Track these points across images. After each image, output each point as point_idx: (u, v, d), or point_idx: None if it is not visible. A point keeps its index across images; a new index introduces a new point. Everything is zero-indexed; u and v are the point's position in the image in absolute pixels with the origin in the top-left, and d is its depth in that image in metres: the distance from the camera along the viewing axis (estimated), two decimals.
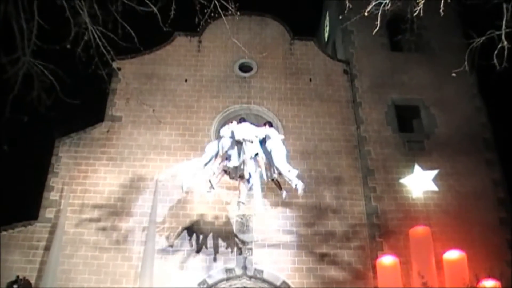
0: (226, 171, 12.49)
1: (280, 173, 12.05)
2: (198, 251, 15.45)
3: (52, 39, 7.67)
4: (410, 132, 18.54)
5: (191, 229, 15.70)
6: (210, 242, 15.63)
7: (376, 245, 15.74)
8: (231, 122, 12.94)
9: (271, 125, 12.96)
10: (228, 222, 15.88)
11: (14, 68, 7.08)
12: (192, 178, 13.30)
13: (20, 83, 7.10)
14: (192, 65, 19.41)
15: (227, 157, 12.22)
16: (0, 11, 6.77)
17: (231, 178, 12.74)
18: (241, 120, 13.18)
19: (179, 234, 15.69)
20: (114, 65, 12.21)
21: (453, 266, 14.39)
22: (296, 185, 11.80)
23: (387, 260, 14.85)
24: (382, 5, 8.47)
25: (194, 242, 15.57)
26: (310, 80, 19.36)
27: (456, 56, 10.84)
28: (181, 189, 13.61)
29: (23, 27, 7.04)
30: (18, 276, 14.02)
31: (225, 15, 9.03)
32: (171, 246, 15.45)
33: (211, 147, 12.88)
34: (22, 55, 7.12)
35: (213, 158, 12.55)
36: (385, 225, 16.12)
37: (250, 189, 12.48)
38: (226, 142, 12.28)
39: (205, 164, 12.64)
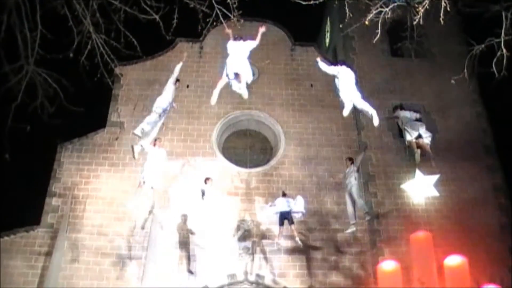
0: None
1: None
2: (199, 256, 15.46)
3: (55, 47, 7.72)
4: None
5: (193, 234, 15.68)
6: (211, 247, 15.62)
7: (377, 250, 15.78)
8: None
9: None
10: (230, 227, 15.90)
11: (17, 76, 7.12)
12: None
13: (23, 91, 7.13)
14: (194, 70, 19.43)
15: None
16: (4, 21, 6.81)
17: None
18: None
19: (181, 239, 15.74)
20: (117, 71, 12.25)
21: (454, 271, 14.32)
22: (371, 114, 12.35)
23: (388, 265, 14.78)
24: (383, 13, 8.53)
25: (196, 247, 15.56)
26: (311, 85, 19.38)
27: (456, 62, 10.95)
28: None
29: (27, 36, 7.08)
30: None
31: (226, 22, 9.08)
32: (173, 250, 15.49)
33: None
34: (26, 63, 7.16)
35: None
36: (386, 231, 16.16)
37: None
38: None
39: None
